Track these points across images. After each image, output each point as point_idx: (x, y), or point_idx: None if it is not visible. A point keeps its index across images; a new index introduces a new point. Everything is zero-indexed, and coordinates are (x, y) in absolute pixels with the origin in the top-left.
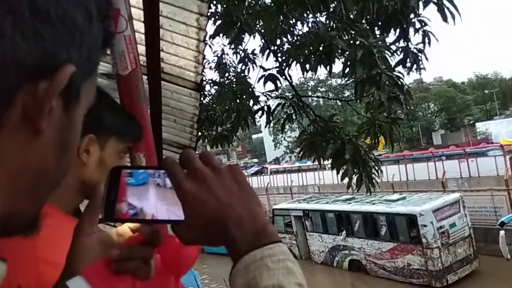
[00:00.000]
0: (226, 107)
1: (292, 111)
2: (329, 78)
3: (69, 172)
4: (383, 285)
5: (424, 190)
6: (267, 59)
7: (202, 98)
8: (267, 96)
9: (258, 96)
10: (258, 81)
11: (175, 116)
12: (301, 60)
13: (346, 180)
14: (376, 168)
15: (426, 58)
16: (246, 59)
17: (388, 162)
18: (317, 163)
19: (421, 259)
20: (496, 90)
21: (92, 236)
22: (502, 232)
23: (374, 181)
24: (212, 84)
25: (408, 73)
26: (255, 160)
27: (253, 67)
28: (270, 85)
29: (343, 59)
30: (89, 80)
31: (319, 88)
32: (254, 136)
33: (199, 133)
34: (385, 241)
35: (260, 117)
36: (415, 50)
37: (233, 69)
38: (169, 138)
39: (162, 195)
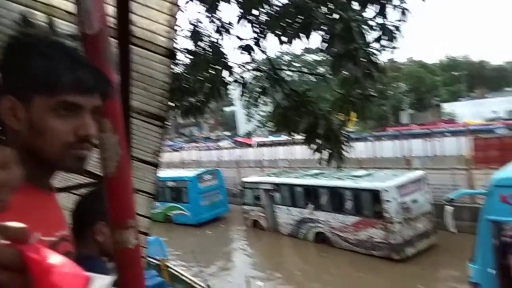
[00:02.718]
0: (199, 77)
1: (267, 84)
2: (304, 53)
3: (12, 141)
4: (346, 256)
5: (390, 167)
6: (242, 28)
7: (174, 67)
8: (242, 67)
9: (232, 67)
10: (233, 51)
11: (145, 83)
12: (278, 32)
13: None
14: (347, 144)
15: (403, 36)
16: (221, 28)
17: (357, 139)
18: (299, 138)
19: (383, 232)
20: (464, 73)
21: None
22: (447, 208)
23: (343, 156)
24: (185, 53)
25: (383, 50)
26: (227, 133)
27: (229, 37)
28: (245, 57)
29: (321, 33)
30: None
31: (293, 64)
32: (226, 109)
33: (171, 104)
34: (350, 215)
35: (235, 89)
36: (391, 27)
37: (208, 38)
38: (138, 107)
39: None
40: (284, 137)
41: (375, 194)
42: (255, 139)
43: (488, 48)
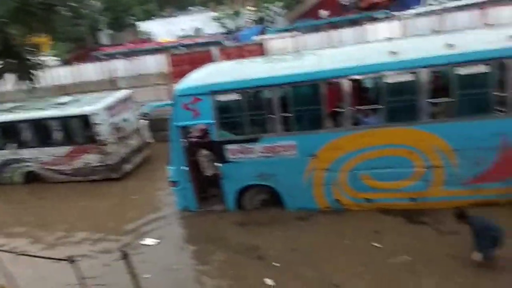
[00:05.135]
0: None
1: None
2: None
3: None
4: (64, 189)
5: (96, 90)
6: None
7: None
8: None
9: None
10: None
11: None
12: None
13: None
14: (36, 61)
15: None
16: None
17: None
18: None
19: (98, 156)
20: None
21: None
22: (142, 121)
23: (34, 76)
24: None
25: None
26: None
27: None
28: None
29: None
30: None
31: None
32: None
33: None
34: (61, 146)
35: None
36: None
37: None
38: None
39: None
40: None
41: (84, 119)
42: None
43: None
